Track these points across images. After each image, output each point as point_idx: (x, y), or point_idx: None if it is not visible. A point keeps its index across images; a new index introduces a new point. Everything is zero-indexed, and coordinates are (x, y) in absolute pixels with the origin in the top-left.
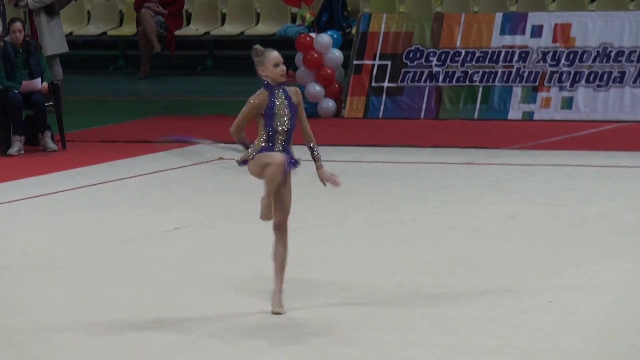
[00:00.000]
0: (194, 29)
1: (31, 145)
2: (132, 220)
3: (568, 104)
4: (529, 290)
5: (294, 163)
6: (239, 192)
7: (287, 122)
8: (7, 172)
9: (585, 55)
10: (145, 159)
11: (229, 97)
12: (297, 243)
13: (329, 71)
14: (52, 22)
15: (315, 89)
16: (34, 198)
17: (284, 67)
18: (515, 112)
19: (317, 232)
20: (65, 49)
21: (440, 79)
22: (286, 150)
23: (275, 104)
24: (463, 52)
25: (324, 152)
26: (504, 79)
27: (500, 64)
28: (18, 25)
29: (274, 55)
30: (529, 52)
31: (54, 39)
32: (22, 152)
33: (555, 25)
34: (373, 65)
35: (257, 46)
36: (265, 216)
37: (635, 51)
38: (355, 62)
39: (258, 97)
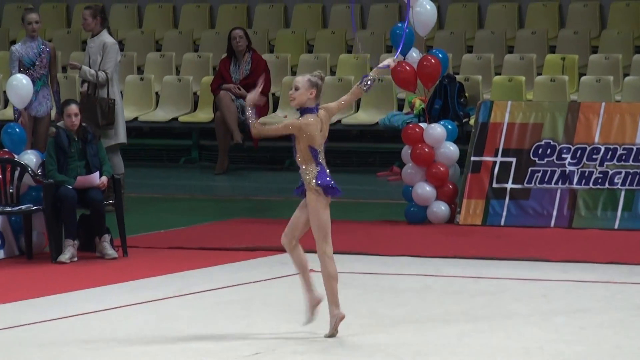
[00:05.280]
0: (281, 116)
1: (86, 252)
2: (204, 342)
3: None
4: None
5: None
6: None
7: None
8: (57, 283)
9: None
10: (221, 270)
11: None
12: None
13: (441, 169)
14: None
15: (425, 189)
16: (89, 314)
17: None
18: None
19: (428, 358)
20: (123, 139)
21: (575, 180)
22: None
23: None
24: (602, 149)
25: (433, 264)
26: None
27: None
28: (73, 108)
29: None
30: None
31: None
32: (76, 259)
33: None
34: (494, 163)
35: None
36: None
37: None
38: (473, 158)
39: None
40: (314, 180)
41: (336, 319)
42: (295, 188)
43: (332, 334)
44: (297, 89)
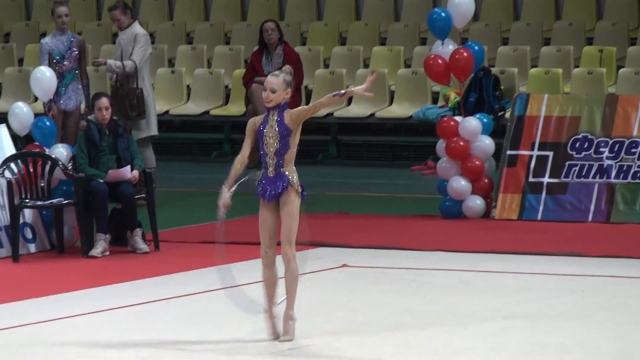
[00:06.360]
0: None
1: (118, 246)
2: (235, 339)
3: None
4: None
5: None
6: (369, 306)
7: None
8: (89, 277)
9: None
10: (253, 264)
11: (354, 192)
12: None
13: (477, 162)
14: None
15: (461, 183)
16: (121, 309)
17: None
18: None
19: (465, 357)
20: (154, 132)
21: (613, 174)
22: (279, 173)
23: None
24: None
25: (469, 259)
26: None
27: None
28: (104, 101)
29: None
30: None
31: (145, 118)
32: (107, 253)
33: None
34: (531, 157)
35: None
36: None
37: None
38: (509, 152)
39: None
40: (298, 181)
41: (294, 323)
42: (261, 190)
43: (291, 338)
44: (273, 91)
